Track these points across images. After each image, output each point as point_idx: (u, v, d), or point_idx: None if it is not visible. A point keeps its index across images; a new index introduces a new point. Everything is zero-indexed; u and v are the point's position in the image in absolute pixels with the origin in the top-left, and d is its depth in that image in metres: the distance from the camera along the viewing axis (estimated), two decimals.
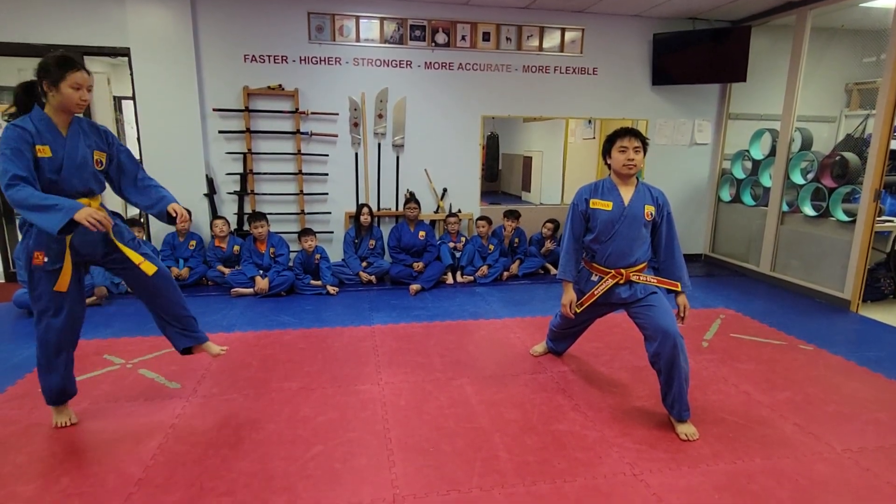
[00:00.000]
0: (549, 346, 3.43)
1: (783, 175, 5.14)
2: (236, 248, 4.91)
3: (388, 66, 5.29)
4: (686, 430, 2.50)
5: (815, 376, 3.17)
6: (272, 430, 2.51)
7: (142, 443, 2.40)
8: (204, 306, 4.34)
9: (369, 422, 2.60)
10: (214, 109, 5.00)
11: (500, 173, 10.91)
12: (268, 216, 4.88)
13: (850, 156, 4.61)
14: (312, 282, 4.79)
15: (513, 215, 5.48)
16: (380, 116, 5.34)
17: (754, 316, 4.28)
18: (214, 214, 5.09)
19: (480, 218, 5.39)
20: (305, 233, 4.82)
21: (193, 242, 4.94)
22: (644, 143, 2.59)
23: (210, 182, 5.09)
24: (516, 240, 5.54)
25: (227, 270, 4.80)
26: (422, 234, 5.20)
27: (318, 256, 4.84)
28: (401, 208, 5.46)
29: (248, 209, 5.21)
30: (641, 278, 2.67)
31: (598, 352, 3.51)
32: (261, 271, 4.70)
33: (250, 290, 4.62)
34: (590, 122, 7.79)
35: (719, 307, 4.51)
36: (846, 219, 4.55)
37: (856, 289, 4.46)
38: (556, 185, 8.23)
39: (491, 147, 10.31)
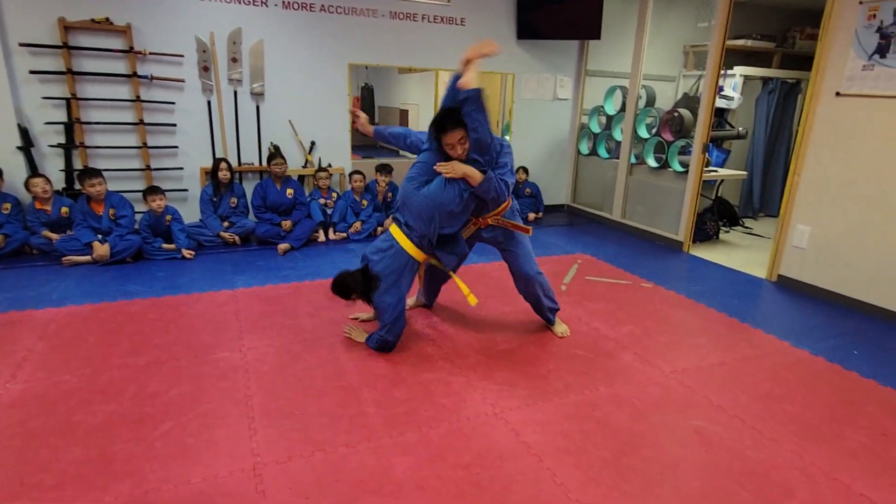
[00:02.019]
0: (419, 299, 3.47)
1: (631, 129, 5.58)
2: (65, 209, 4.26)
3: (239, 2, 4.77)
4: (558, 329, 3.16)
5: (652, 310, 3.56)
6: (112, 412, 2.26)
7: None
8: (28, 278, 3.75)
9: (228, 391, 2.45)
10: (22, 45, 4.19)
11: None
12: (104, 173, 4.27)
13: (685, 112, 5.12)
14: (164, 245, 4.34)
15: (385, 170, 5.37)
16: (234, 61, 4.85)
17: (607, 259, 4.68)
18: (33, 172, 4.35)
19: (354, 172, 5.21)
20: (152, 191, 4.31)
21: (8, 205, 4.20)
22: (465, 125, 2.61)
23: (24, 133, 4.31)
24: (390, 194, 5.46)
25: (55, 236, 4.17)
26: (290, 191, 4.91)
27: (169, 217, 4.38)
28: (265, 163, 5.09)
29: (78, 165, 4.53)
30: (500, 222, 2.92)
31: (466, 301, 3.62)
32: (99, 236, 4.15)
33: (87, 257, 4.07)
34: None
35: (577, 253, 4.87)
36: (681, 169, 5.09)
37: (687, 232, 5.06)
38: None
39: (366, 99, 9.96)
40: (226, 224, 4.78)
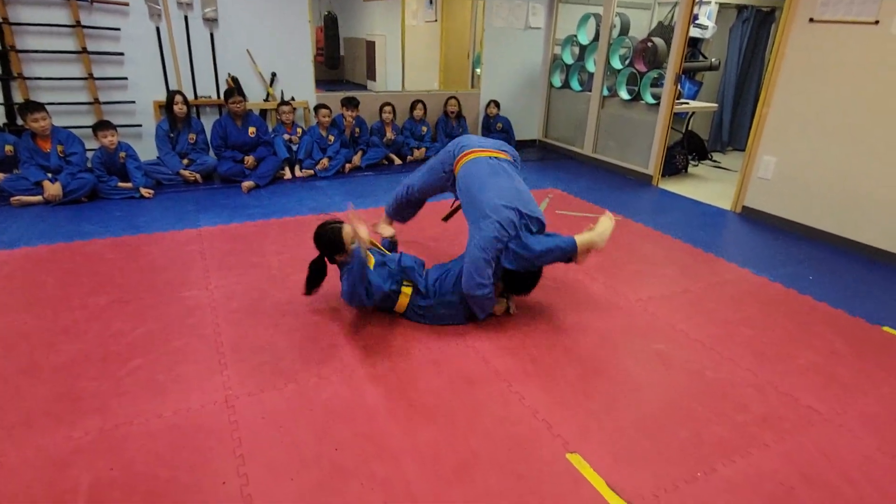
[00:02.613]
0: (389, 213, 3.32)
1: (604, 60, 5.45)
2: (9, 147, 4.00)
3: None
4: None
5: (621, 242, 3.62)
6: (77, 351, 2.22)
7: None
8: None
9: (197, 328, 2.42)
10: None
11: (342, 60, 10.12)
12: (49, 107, 3.99)
13: (658, 41, 5.00)
14: (121, 184, 4.14)
15: (351, 103, 5.16)
16: None
17: (577, 194, 4.69)
18: None
19: (320, 106, 4.99)
20: (103, 126, 4.06)
21: None
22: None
23: None
24: (357, 130, 5.29)
25: (0, 175, 3.93)
26: (252, 130, 4.69)
27: (123, 154, 4.16)
28: (222, 96, 4.82)
29: (19, 99, 4.21)
30: None
31: (440, 236, 3.61)
32: (49, 175, 3.93)
33: (37, 197, 3.86)
34: (431, 1, 7.41)
35: (549, 188, 4.86)
36: (653, 101, 5.04)
37: (657, 166, 5.08)
38: (399, 71, 7.89)
39: (329, 29, 9.42)
40: (185, 162, 4.57)
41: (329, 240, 2.38)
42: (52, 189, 3.85)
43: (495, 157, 2.64)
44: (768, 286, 3.05)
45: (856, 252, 3.59)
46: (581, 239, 2.46)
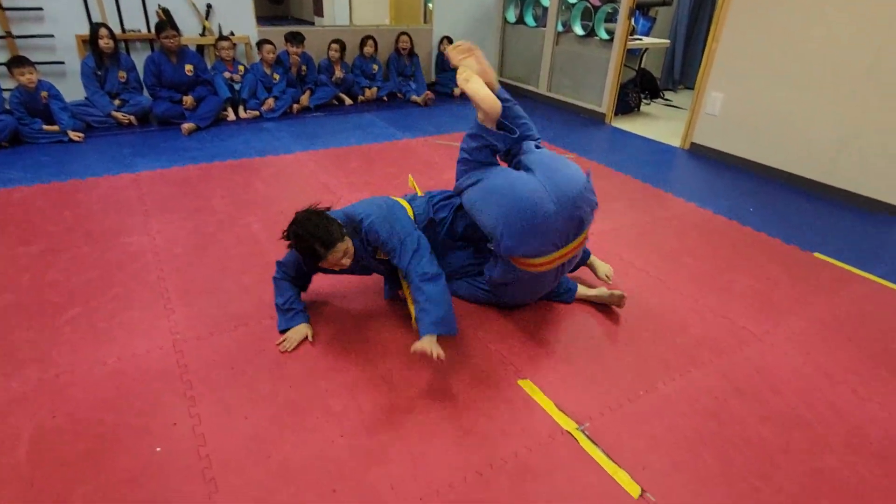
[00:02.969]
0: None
1: None
2: None
3: None
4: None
5: None
6: (8, 302, 2.10)
7: None
8: None
9: (139, 274, 2.33)
10: None
11: None
12: None
13: None
14: (45, 127, 3.83)
15: (296, 39, 4.87)
16: None
17: None
18: None
19: (263, 42, 4.69)
20: (18, 63, 3.69)
21: None
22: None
23: None
24: (304, 68, 5.02)
25: None
26: (189, 68, 4.38)
27: (45, 94, 3.82)
28: (153, 30, 4.46)
29: None
30: None
31: (396, 174, 3.54)
32: None
33: None
34: None
35: None
36: (606, 37, 4.97)
37: (610, 103, 5.08)
38: (347, 5, 7.47)
39: None
40: (117, 102, 4.26)
41: (311, 248, 1.76)
42: None
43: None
44: (712, 218, 3.17)
45: (795, 185, 3.75)
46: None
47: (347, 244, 1.80)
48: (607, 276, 2.32)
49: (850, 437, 1.66)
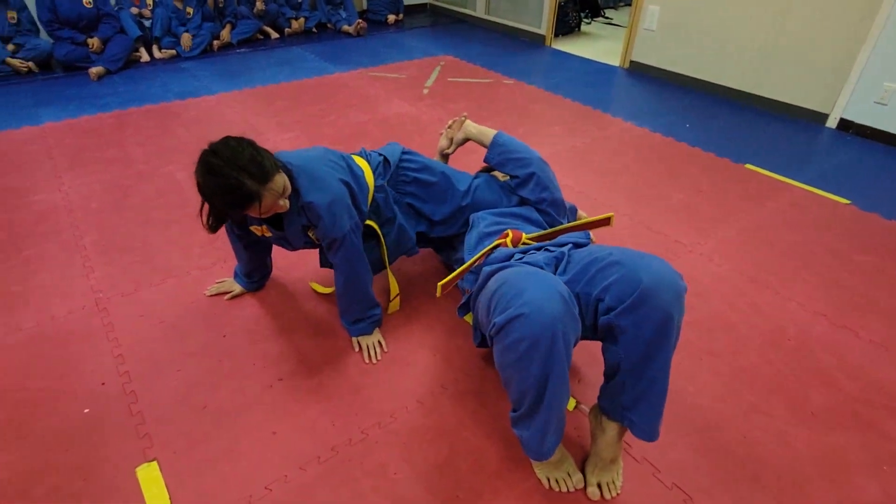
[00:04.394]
0: None
1: None
2: None
3: None
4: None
5: (512, 105, 3.57)
6: None
7: None
8: None
9: (52, 234, 2.17)
10: None
11: None
12: None
13: None
14: None
15: None
16: None
17: (470, 59, 4.50)
18: None
19: None
20: None
21: None
22: None
23: None
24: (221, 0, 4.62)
25: None
26: (88, 0, 3.94)
27: None
28: None
29: None
30: None
31: (329, 110, 3.37)
32: None
33: None
34: None
35: (440, 55, 4.62)
36: None
37: (549, 24, 4.93)
38: None
39: None
40: (11, 48, 3.83)
41: (235, 186, 1.24)
42: None
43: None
44: (648, 136, 3.18)
45: (728, 98, 3.79)
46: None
47: (284, 178, 1.33)
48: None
49: (770, 336, 1.76)
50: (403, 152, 1.75)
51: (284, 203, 1.36)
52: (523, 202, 1.78)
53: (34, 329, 1.71)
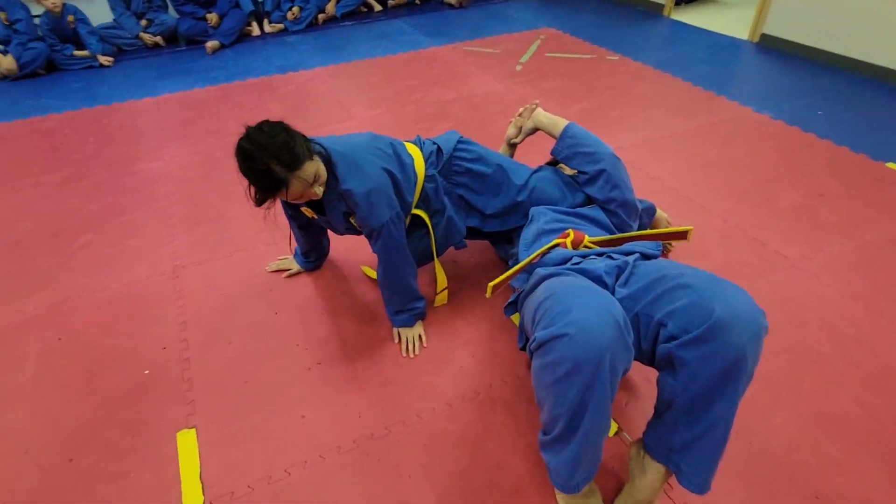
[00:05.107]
0: None
1: None
2: None
3: None
4: None
5: (612, 84, 3.28)
6: (29, 229, 2.22)
7: None
8: None
9: (149, 201, 2.38)
10: None
11: None
12: None
13: None
14: (76, 52, 3.89)
15: None
16: None
17: (574, 32, 4.20)
18: None
19: None
20: None
21: None
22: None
23: None
24: None
25: None
26: None
27: (72, 18, 3.84)
28: None
29: None
30: None
31: (415, 87, 3.34)
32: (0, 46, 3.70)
33: None
34: None
35: (542, 27, 4.36)
36: None
37: None
38: None
39: None
40: (144, 23, 4.22)
41: (265, 171, 1.26)
42: (6, 63, 3.64)
43: None
44: (768, 124, 2.77)
45: (883, 81, 3.18)
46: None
47: (318, 165, 1.33)
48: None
49: (874, 377, 1.46)
50: (459, 141, 1.66)
51: (318, 190, 1.35)
52: (589, 201, 1.62)
53: (118, 289, 1.89)
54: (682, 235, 1.30)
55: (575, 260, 1.28)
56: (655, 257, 1.29)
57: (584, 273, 1.20)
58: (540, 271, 1.21)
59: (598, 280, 1.18)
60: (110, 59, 3.92)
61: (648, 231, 1.36)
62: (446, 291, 1.75)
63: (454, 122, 2.89)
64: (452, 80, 3.45)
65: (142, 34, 4.17)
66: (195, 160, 2.67)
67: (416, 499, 1.24)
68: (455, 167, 1.64)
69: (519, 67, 3.60)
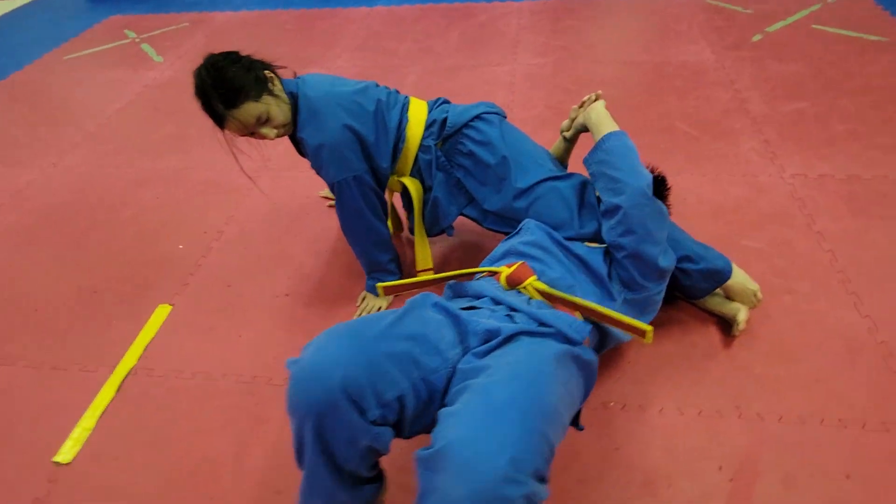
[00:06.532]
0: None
1: None
2: None
3: None
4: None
5: (884, 85, 2.28)
6: None
7: (110, 103, 2.75)
8: None
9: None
10: None
11: None
12: None
13: None
14: None
15: None
16: None
17: (885, 1, 2.97)
18: None
19: None
20: None
21: None
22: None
23: None
24: None
25: None
26: None
27: None
28: None
29: None
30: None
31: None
32: None
33: None
34: None
35: None
36: None
37: None
38: None
39: None
40: None
41: (209, 106, 1.25)
42: None
43: None
44: None
45: None
46: None
47: (269, 107, 1.25)
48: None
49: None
50: (477, 116, 1.38)
51: (268, 132, 1.31)
52: (598, 237, 1.24)
53: (210, 176, 2.19)
54: (640, 332, 0.98)
55: (471, 303, 1.04)
56: (574, 342, 0.93)
57: (456, 320, 0.95)
58: (429, 296, 1.00)
59: (463, 334, 0.93)
60: None
61: (607, 311, 1.00)
62: (432, 272, 1.57)
63: (617, 90, 2.41)
64: (660, 38, 2.83)
65: None
66: (354, 73, 2.82)
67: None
68: (459, 145, 1.39)
69: (758, 37, 2.75)
